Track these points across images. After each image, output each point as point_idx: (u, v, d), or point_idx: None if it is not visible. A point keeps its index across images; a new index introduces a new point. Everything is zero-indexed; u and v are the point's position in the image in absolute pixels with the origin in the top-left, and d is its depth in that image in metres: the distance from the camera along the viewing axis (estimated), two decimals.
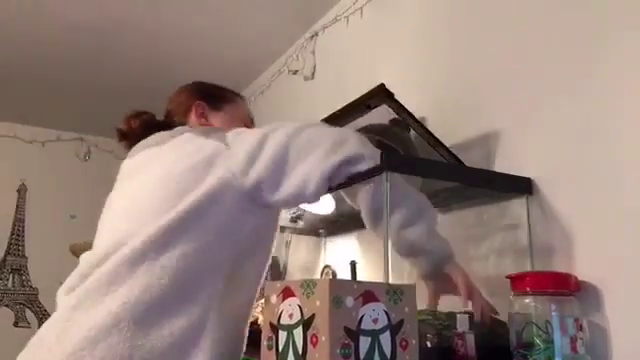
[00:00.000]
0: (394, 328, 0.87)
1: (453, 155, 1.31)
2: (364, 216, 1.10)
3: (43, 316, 3.63)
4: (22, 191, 3.76)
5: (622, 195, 1.06)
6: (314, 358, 0.82)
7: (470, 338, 1.02)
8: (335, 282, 0.82)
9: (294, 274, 2.22)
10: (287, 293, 0.90)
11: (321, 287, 0.83)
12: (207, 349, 0.94)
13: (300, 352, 0.85)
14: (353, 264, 1.60)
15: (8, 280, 3.64)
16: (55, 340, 0.92)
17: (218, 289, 0.98)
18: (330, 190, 1.10)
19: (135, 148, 1.21)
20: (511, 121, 1.32)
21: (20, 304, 3.62)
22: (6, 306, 3.59)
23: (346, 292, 0.83)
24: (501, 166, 1.31)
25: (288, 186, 1.01)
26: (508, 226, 1.29)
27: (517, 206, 1.25)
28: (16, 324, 3.58)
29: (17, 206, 3.73)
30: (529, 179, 1.23)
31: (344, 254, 1.89)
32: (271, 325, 0.92)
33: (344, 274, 1.77)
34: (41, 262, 3.67)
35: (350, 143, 1.03)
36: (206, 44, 2.59)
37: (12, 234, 3.69)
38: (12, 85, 3.14)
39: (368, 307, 0.85)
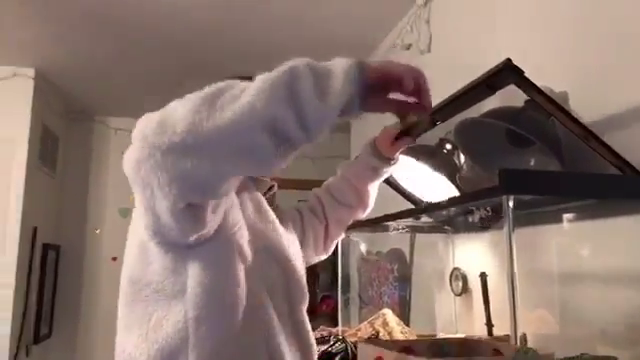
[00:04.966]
0: None
1: (607, 147, 1.02)
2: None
3: None
4: None
5: None
6: None
7: None
8: None
9: (422, 276, 2.03)
10: None
11: None
12: None
13: None
14: (484, 277, 1.35)
15: None
16: None
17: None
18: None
19: None
20: None
21: None
22: None
23: None
24: None
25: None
26: None
27: None
28: None
29: None
30: None
31: (474, 255, 1.65)
32: None
33: (474, 276, 1.53)
34: None
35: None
36: (316, 23, 2.45)
37: None
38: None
39: None
